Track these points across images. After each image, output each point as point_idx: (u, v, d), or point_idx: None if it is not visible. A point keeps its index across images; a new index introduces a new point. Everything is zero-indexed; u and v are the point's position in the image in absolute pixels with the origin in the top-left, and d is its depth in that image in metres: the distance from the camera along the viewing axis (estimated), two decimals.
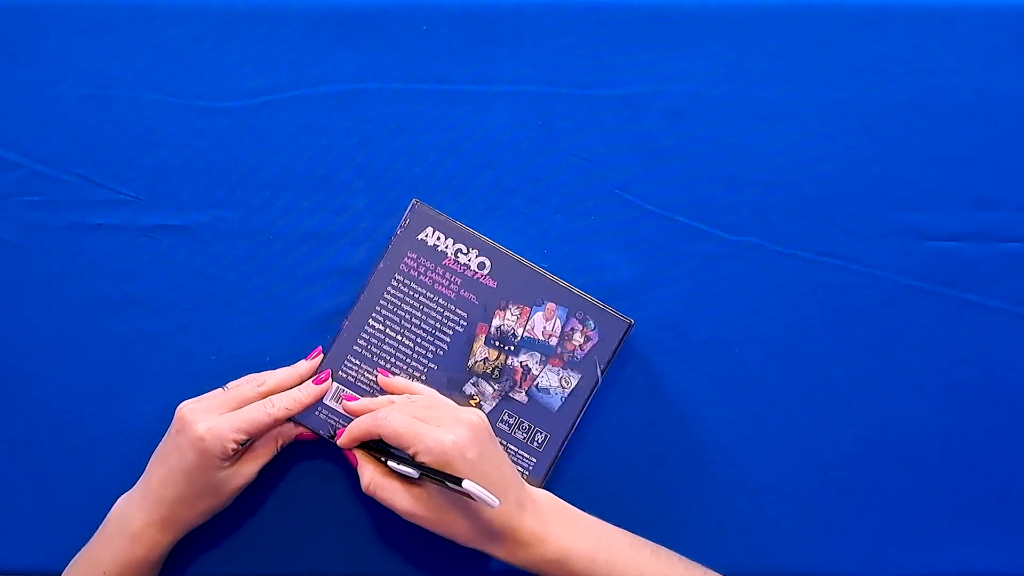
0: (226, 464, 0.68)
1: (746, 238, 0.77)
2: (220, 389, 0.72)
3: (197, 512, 0.69)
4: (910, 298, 0.77)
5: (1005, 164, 0.78)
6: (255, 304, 0.76)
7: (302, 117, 0.77)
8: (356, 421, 0.69)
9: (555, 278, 0.73)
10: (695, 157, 0.78)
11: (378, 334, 0.72)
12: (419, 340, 0.72)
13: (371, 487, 0.68)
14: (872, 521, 0.76)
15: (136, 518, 0.68)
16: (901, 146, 0.78)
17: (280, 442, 0.72)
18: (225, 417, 0.68)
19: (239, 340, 0.76)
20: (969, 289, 0.77)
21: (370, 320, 0.72)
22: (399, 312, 0.72)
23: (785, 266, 0.77)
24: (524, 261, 0.73)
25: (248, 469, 0.70)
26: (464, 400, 0.72)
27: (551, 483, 0.74)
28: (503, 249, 0.73)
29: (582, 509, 0.71)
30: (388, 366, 0.72)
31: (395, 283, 0.72)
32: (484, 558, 0.74)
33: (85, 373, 0.76)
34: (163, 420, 0.74)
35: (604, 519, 0.71)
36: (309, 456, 0.75)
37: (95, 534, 0.70)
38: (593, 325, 0.73)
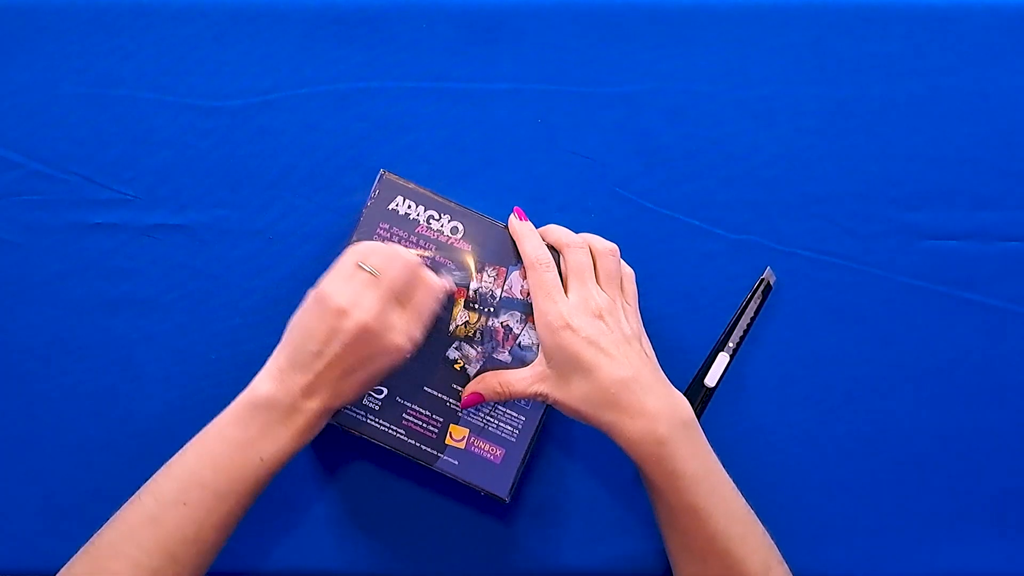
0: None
1: (746, 236, 0.77)
2: (354, 264, 0.67)
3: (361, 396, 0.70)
4: (910, 297, 0.77)
5: (1005, 164, 0.78)
6: (255, 303, 0.76)
7: (302, 116, 0.77)
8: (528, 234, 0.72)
9: None
10: (695, 155, 0.78)
11: None
12: None
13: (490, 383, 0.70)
14: (872, 521, 0.76)
15: (308, 409, 0.65)
16: (901, 145, 0.78)
17: None
18: (413, 322, 0.67)
19: (239, 339, 0.76)
20: (969, 288, 0.77)
21: None
22: None
23: (785, 264, 0.77)
24: (496, 222, 0.73)
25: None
26: (448, 365, 0.72)
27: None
28: (474, 212, 0.73)
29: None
30: None
31: None
32: (484, 557, 0.75)
33: (84, 372, 0.76)
34: (162, 419, 0.75)
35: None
36: (307, 454, 0.75)
37: (231, 417, 0.65)
38: None
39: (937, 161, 0.78)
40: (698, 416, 0.75)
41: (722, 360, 0.76)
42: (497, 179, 0.78)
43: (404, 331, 0.66)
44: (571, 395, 0.67)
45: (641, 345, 0.68)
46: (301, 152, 0.77)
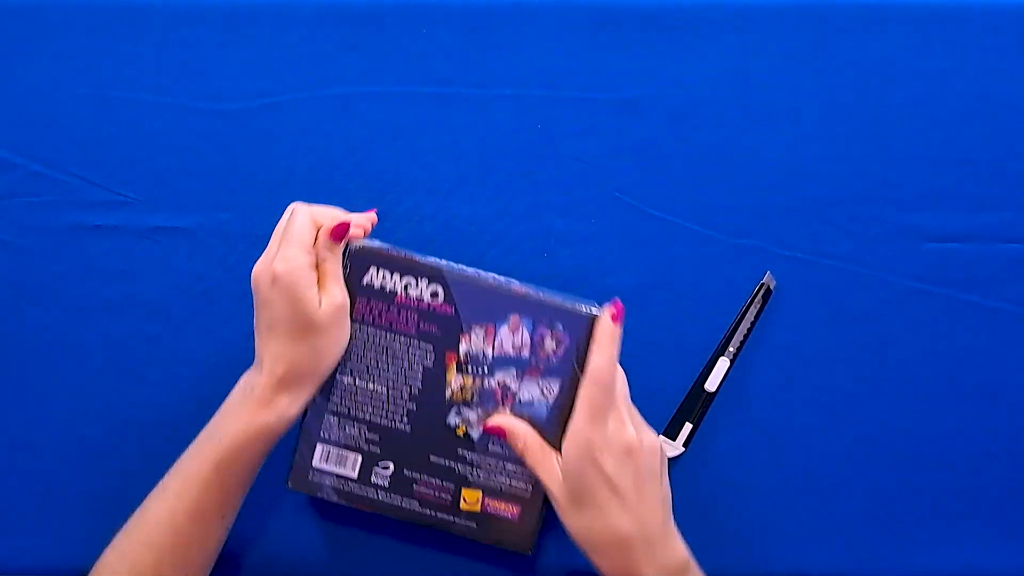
0: (312, 291, 0.66)
1: (747, 240, 0.77)
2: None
3: (313, 358, 0.66)
4: (911, 299, 0.77)
5: (1005, 164, 0.78)
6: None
7: (302, 120, 0.77)
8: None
9: (510, 288, 0.70)
10: (696, 160, 0.78)
11: (350, 388, 0.70)
12: (391, 384, 0.70)
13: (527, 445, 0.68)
14: (872, 521, 0.76)
15: (259, 385, 0.65)
16: (901, 147, 0.78)
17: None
18: (283, 247, 0.65)
19: (238, 342, 0.76)
20: (969, 289, 0.77)
21: (337, 376, 0.70)
22: (364, 361, 0.70)
23: (785, 268, 0.77)
24: (475, 279, 0.70)
25: (336, 290, 0.67)
26: (451, 432, 0.70)
27: None
28: (450, 271, 0.70)
29: None
30: (367, 416, 0.70)
31: (353, 333, 0.70)
32: (483, 559, 0.75)
33: (84, 374, 0.76)
34: (162, 421, 0.75)
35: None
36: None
37: (214, 416, 0.67)
38: (561, 326, 0.69)
39: (937, 163, 0.78)
40: (698, 422, 0.75)
41: (723, 365, 0.76)
42: (497, 184, 0.78)
43: (278, 260, 0.65)
44: (572, 519, 0.65)
45: (661, 482, 0.67)
46: (301, 156, 0.77)
